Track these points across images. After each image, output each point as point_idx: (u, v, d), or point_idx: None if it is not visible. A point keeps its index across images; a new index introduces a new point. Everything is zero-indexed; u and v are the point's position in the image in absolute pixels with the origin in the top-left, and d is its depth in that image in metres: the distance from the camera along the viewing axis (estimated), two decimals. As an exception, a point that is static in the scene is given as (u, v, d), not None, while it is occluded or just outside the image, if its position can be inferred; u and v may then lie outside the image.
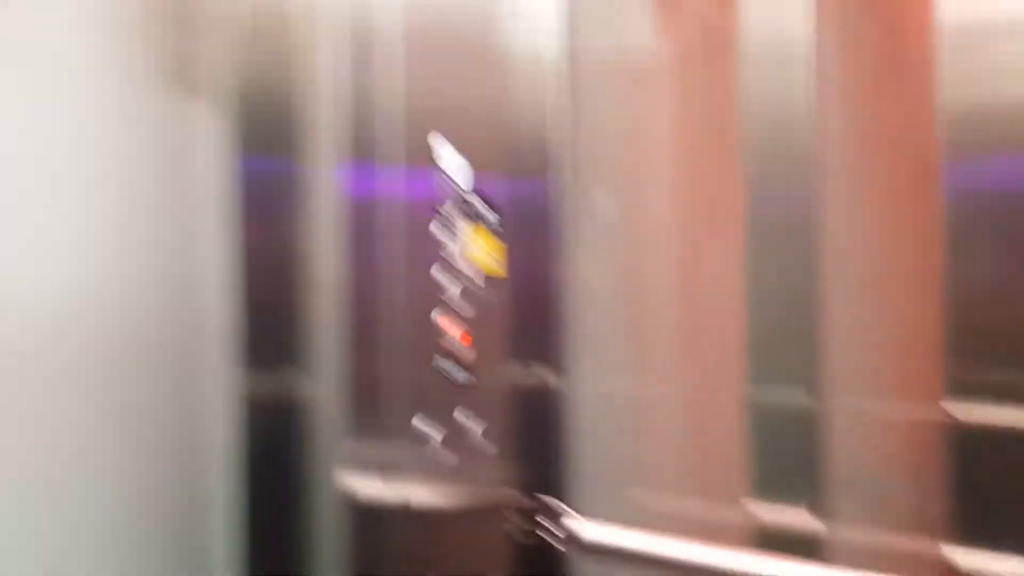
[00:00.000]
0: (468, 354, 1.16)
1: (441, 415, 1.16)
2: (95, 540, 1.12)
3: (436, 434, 1.16)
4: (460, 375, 1.16)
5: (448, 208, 1.14)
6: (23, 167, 1.04)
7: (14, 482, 1.06)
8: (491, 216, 1.16)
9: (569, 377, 1.15)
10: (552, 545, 1.17)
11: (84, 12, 1.08)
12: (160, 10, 1.14)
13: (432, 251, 1.15)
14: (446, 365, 1.15)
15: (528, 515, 1.18)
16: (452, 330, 1.15)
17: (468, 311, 1.16)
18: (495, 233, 1.17)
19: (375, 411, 1.15)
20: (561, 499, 1.18)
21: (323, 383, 1.17)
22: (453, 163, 1.15)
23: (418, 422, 1.15)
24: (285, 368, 1.18)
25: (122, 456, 1.13)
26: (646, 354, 1.18)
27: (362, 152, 1.14)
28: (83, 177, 1.08)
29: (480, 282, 1.16)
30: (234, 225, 1.13)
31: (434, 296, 1.15)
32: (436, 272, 1.15)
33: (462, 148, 1.15)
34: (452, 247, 1.14)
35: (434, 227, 1.14)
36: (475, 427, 1.17)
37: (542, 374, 1.17)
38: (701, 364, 1.14)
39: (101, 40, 1.10)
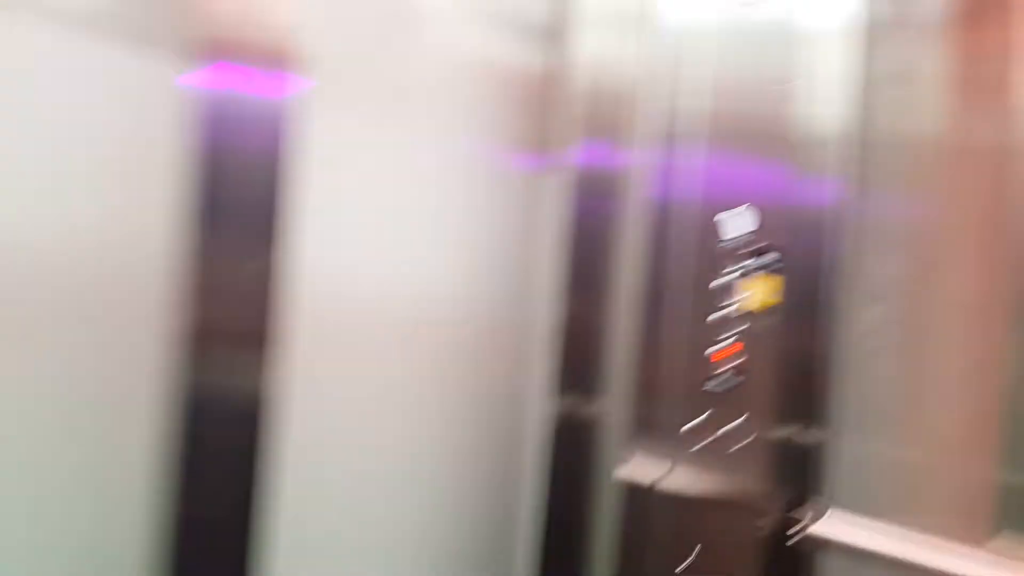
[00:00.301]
0: (741, 363, 1.39)
1: (714, 416, 1.39)
2: (422, 527, 1.40)
3: (708, 433, 1.39)
4: (733, 381, 1.39)
5: (736, 262, 1.40)
6: (417, 195, 1.38)
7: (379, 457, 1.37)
8: (771, 256, 1.41)
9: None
10: (802, 543, 1.38)
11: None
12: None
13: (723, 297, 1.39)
14: (724, 379, 1.40)
15: (784, 514, 1.41)
16: (727, 339, 1.40)
17: (743, 324, 1.39)
18: (772, 270, 1.41)
19: (655, 410, 1.39)
20: (817, 504, 1.40)
21: (614, 392, 1.42)
22: (748, 223, 1.40)
23: (693, 421, 1.40)
24: (587, 386, 1.46)
25: (457, 447, 1.43)
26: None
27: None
28: (447, 201, 1.41)
29: (750, 310, 1.40)
30: (563, 252, 1.43)
31: (712, 306, 1.39)
32: (726, 312, 1.40)
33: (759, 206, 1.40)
34: (740, 294, 1.40)
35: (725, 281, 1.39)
36: (744, 430, 1.41)
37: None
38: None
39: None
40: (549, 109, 1.46)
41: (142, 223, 1.10)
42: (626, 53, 1.41)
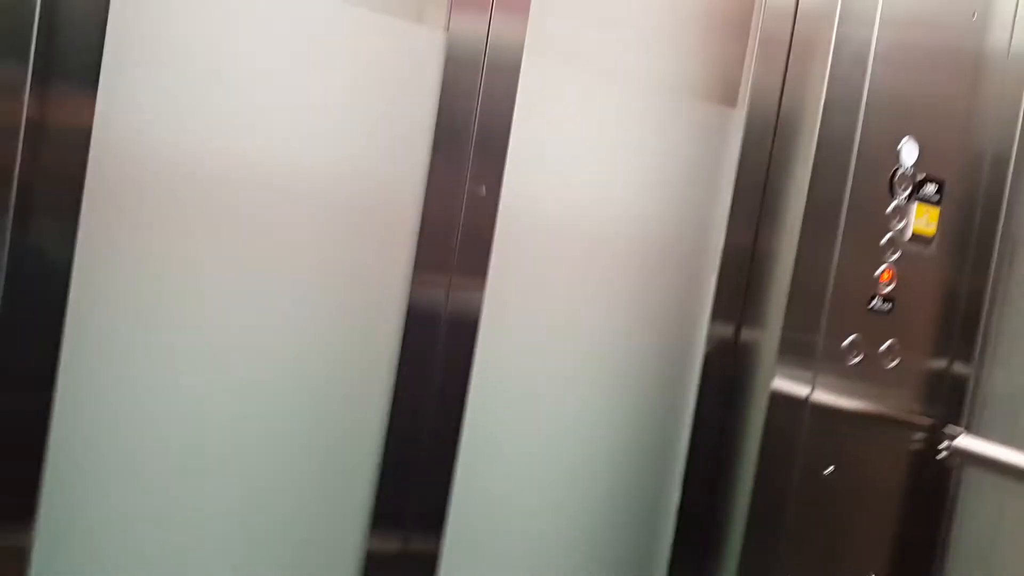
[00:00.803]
0: (893, 292, 1.53)
1: (868, 341, 1.54)
2: (592, 426, 1.58)
3: (859, 354, 1.54)
4: (886, 308, 1.53)
5: (902, 191, 1.52)
6: (612, 125, 1.53)
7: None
8: (932, 187, 1.53)
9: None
10: (949, 457, 1.53)
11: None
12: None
13: (884, 226, 1.52)
14: (878, 303, 1.54)
15: (931, 432, 1.56)
16: (885, 276, 1.53)
17: (902, 262, 1.53)
18: (931, 202, 1.53)
19: (813, 335, 1.53)
20: (958, 423, 1.54)
21: (776, 313, 1.56)
22: (912, 154, 1.52)
23: (847, 345, 1.54)
24: (753, 305, 1.61)
25: (632, 357, 1.61)
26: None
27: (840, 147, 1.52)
28: (653, 151, 1.57)
29: (910, 236, 1.53)
30: (736, 195, 1.58)
31: (879, 259, 1.53)
32: (884, 241, 1.53)
33: (922, 141, 1.51)
34: (902, 224, 1.52)
35: (890, 209, 1.52)
36: (894, 352, 1.56)
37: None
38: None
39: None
40: (737, 39, 1.58)
41: (394, 151, 1.29)
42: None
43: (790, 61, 1.52)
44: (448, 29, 1.28)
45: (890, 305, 1.52)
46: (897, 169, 1.49)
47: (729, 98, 1.57)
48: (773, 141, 1.52)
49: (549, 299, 1.46)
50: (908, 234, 1.52)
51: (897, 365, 1.54)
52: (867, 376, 1.52)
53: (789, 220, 1.47)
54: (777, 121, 1.52)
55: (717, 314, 1.55)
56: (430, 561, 1.36)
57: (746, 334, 1.54)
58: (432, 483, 1.34)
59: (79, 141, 1.05)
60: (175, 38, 1.13)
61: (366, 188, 1.28)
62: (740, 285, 1.55)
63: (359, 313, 1.29)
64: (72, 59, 1.04)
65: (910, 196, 1.51)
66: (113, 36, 1.08)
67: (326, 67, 1.23)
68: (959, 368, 1.60)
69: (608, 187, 1.48)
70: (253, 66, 1.18)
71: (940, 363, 1.59)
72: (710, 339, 1.55)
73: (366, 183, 1.27)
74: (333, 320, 1.27)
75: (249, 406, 1.23)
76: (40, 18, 0.99)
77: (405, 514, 1.33)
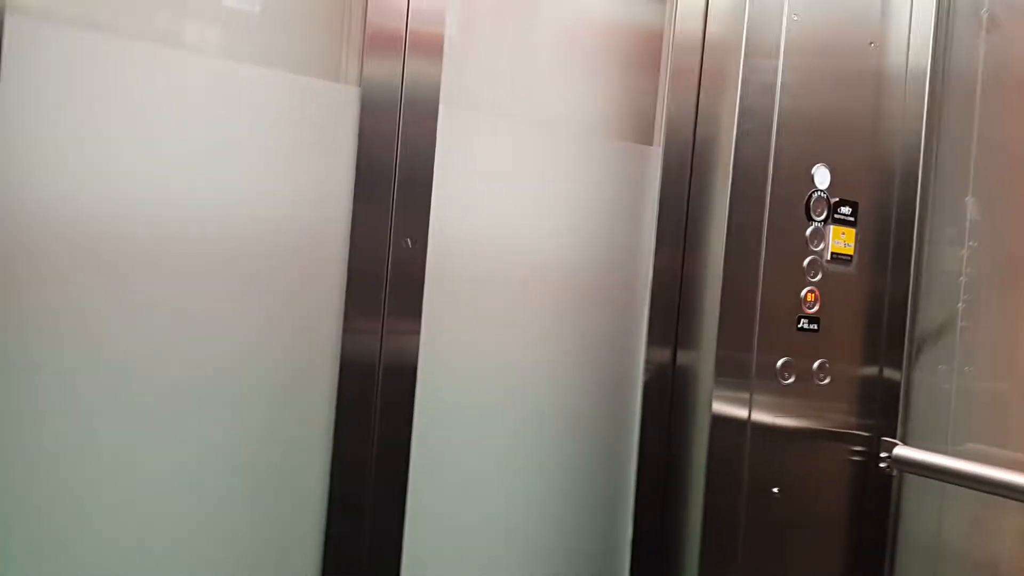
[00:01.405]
0: (818, 312, 1.57)
1: (799, 361, 1.58)
2: (537, 452, 1.58)
3: (792, 374, 1.57)
4: (813, 328, 1.57)
5: (818, 214, 1.57)
6: (536, 164, 1.55)
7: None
8: (847, 209, 1.58)
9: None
10: (889, 466, 1.57)
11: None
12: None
13: (804, 249, 1.57)
14: (804, 324, 1.58)
15: (869, 443, 1.59)
16: (810, 296, 1.58)
17: (824, 282, 1.57)
18: (847, 223, 1.59)
19: (747, 359, 1.54)
20: (893, 432, 1.59)
21: (709, 337, 1.59)
22: (825, 179, 1.57)
23: (780, 366, 1.57)
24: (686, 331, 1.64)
25: (569, 384, 1.60)
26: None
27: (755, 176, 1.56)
28: (575, 191, 1.60)
29: (829, 257, 1.58)
30: (660, 226, 1.61)
31: (803, 280, 1.57)
32: (806, 264, 1.57)
33: (833, 165, 1.57)
34: (821, 246, 1.57)
35: (808, 232, 1.57)
36: (825, 370, 1.59)
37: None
38: None
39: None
40: (648, 76, 1.63)
41: (316, 206, 1.30)
42: (727, 9, 1.55)
43: (701, 95, 1.58)
44: (360, 84, 1.29)
45: (816, 325, 1.55)
46: (812, 193, 1.54)
47: (645, 135, 1.62)
48: (691, 173, 1.57)
49: (488, 342, 1.47)
50: (827, 255, 1.57)
51: (829, 382, 1.58)
52: (802, 394, 1.55)
53: (713, 246, 1.51)
54: (693, 154, 1.57)
55: (652, 339, 1.58)
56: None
57: (682, 357, 1.57)
58: (383, 535, 1.33)
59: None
60: (82, 102, 1.12)
61: (291, 244, 1.27)
62: (672, 314, 1.58)
63: (295, 367, 1.27)
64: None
65: (826, 219, 1.56)
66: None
67: (246, 128, 1.23)
68: (889, 379, 1.64)
69: (535, 227, 1.50)
70: (171, 129, 1.18)
71: (871, 376, 1.63)
72: (648, 365, 1.58)
73: (291, 239, 1.27)
74: (264, 379, 1.26)
75: (180, 473, 1.20)
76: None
77: (358, 568, 1.31)
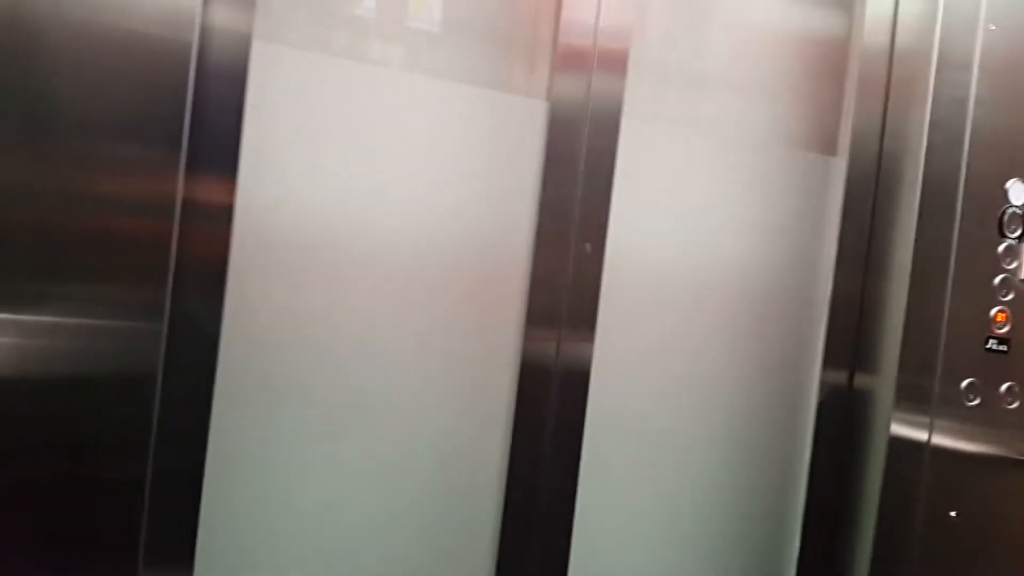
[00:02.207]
0: (1009, 333, 1.50)
1: (986, 383, 1.52)
2: (704, 478, 1.60)
3: (977, 396, 1.51)
4: (1002, 349, 1.51)
5: (1011, 231, 1.51)
6: (714, 180, 1.58)
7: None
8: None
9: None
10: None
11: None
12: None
13: (996, 267, 1.51)
14: (993, 344, 1.51)
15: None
16: (1000, 317, 1.51)
17: (1016, 303, 1.51)
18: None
19: (930, 379, 1.51)
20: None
21: (890, 359, 1.55)
22: (1021, 194, 1.51)
23: (964, 387, 1.52)
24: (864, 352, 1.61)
25: (741, 406, 1.62)
26: None
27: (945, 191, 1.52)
28: (753, 202, 1.61)
29: (1023, 277, 1.50)
30: (841, 243, 1.59)
31: (993, 300, 1.51)
32: (997, 282, 1.51)
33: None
34: (1014, 264, 1.51)
35: (1001, 250, 1.51)
36: (1013, 394, 1.52)
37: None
38: None
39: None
40: (833, 86, 1.61)
41: (506, 218, 1.37)
42: (918, 19, 1.52)
43: (888, 106, 1.55)
44: (549, 99, 1.36)
45: (1006, 346, 1.49)
46: (1006, 209, 1.48)
47: (828, 146, 1.60)
48: (876, 187, 1.54)
49: (658, 352, 1.50)
50: (1021, 274, 1.50)
51: (1018, 407, 1.50)
52: (987, 418, 1.50)
53: (897, 265, 1.48)
54: (879, 167, 1.54)
55: (828, 362, 1.56)
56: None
57: (859, 380, 1.54)
58: (553, 535, 1.39)
59: (223, 217, 1.16)
60: (306, 119, 1.24)
61: (480, 251, 1.35)
62: (850, 332, 1.55)
63: (476, 370, 1.35)
64: (215, 143, 1.16)
65: (1021, 236, 1.49)
66: (251, 122, 1.20)
67: (441, 139, 1.32)
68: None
69: (712, 240, 1.51)
70: (375, 147, 1.28)
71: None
72: (823, 387, 1.56)
73: (480, 247, 1.35)
74: (451, 377, 1.34)
75: (378, 461, 1.31)
76: (191, 110, 1.11)
77: (529, 566, 1.38)
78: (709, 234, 1.51)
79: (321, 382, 1.26)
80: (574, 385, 1.38)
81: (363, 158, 1.27)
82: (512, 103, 1.35)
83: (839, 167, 1.56)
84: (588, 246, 1.38)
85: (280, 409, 1.24)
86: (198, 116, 1.12)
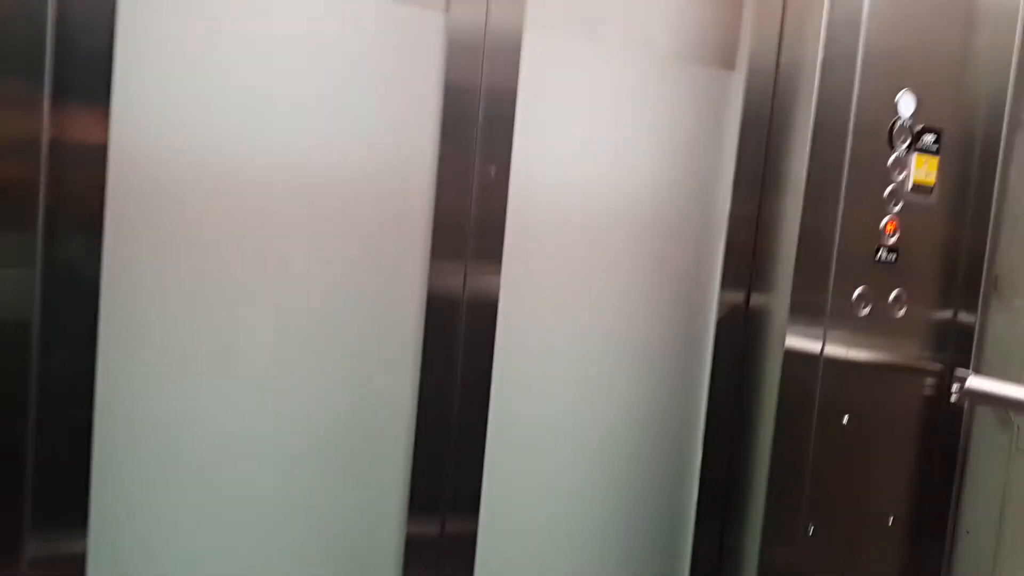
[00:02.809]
0: (897, 243, 1.56)
1: (876, 291, 1.57)
2: (609, 392, 1.61)
3: (868, 305, 1.56)
4: (891, 259, 1.56)
5: (900, 143, 1.54)
6: (612, 102, 1.53)
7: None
8: (930, 137, 1.55)
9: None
10: (960, 398, 1.57)
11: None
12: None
13: (885, 178, 1.55)
14: (883, 255, 1.57)
15: (937, 375, 1.60)
16: (890, 227, 1.56)
17: (904, 212, 1.56)
18: (930, 152, 1.56)
19: (823, 291, 1.54)
20: (967, 366, 1.59)
21: (785, 272, 1.58)
22: (910, 106, 1.54)
23: (856, 297, 1.57)
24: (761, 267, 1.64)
25: (645, 324, 1.62)
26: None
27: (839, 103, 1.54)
28: (653, 118, 1.58)
29: (911, 187, 1.56)
30: (739, 161, 1.60)
31: (883, 211, 1.56)
32: (886, 194, 1.56)
33: (919, 92, 1.54)
34: (903, 175, 1.55)
35: (890, 161, 1.55)
36: (901, 302, 1.59)
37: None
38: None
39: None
40: (734, 2, 1.59)
41: (399, 140, 1.31)
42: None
43: (785, 21, 1.54)
44: (447, 10, 1.29)
45: (895, 255, 1.55)
46: (896, 121, 1.51)
47: (727, 61, 1.58)
48: (773, 102, 1.54)
49: (562, 274, 1.49)
50: (909, 185, 1.55)
51: (905, 314, 1.58)
52: (877, 327, 1.55)
53: (792, 180, 1.50)
54: (776, 82, 1.53)
55: (727, 281, 1.58)
56: (469, 543, 1.39)
57: (756, 298, 1.58)
58: (465, 467, 1.38)
59: (97, 154, 1.06)
60: (177, 40, 1.14)
61: (378, 176, 1.29)
62: (747, 250, 1.57)
63: (381, 302, 1.31)
64: (84, 71, 1.05)
65: (909, 147, 1.53)
66: (121, 43, 1.09)
67: (330, 56, 1.24)
68: (964, 314, 1.63)
69: (612, 159, 1.50)
70: (257, 62, 1.19)
71: (946, 310, 1.63)
72: (721, 305, 1.58)
73: (379, 172, 1.29)
74: (356, 310, 1.30)
75: (280, 401, 1.26)
76: (53, 30, 1.00)
77: (442, 500, 1.37)
78: (611, 152, 1.49)
79: (216, 322, 1.19)
80: (482, 314, 1.35)
81: (249, 78, 1.18)
82: (408, 15, 1.27)
83: (738, 82, 1.55)
84: (492, 169, 1.34)
85: (172, 354, 1.17)
86: (62, 36, 1.00)
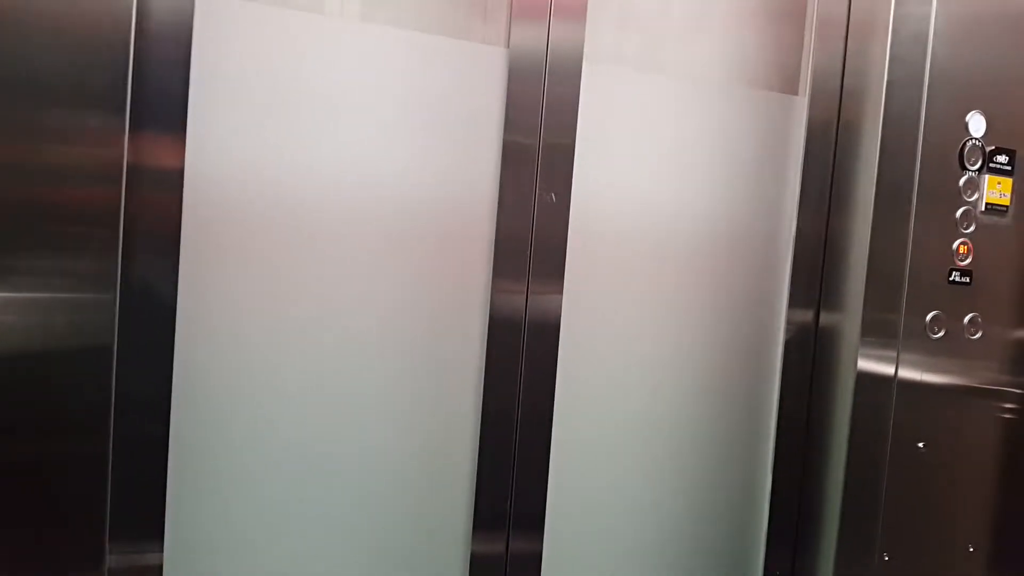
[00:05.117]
0: (971, 265, 1.52)
1: (950, 315, 1.53)
2: (674, 417, 1.61)
3: (942, 327, 1.52)
4: (965, 281, 1.52)
5: (972, 163, 1.51)
6: (675, 124, 1.54)
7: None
8: (1003, 158, 1.52)
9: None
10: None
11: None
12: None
13: (957, 199, 1.52)
14: (956, 277, 1.53)
15: (1016, 400, 1.54)
16: (962, 249, 1.53)
17: (978, 234, 1.52)
18: (1004, 173, 1.52)
19: (895, 315, 1.51)
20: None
21: (855, 292, 1.56)
22: (980, 126, 1.51)
23: (929, 320, 1.53)
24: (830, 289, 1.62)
25: (708, 346, 1.60)
26: None
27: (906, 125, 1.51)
28: (716, 142, 1.57)
29: (984, 208, 1.52)
30: (804, 182, 1.59)
31: (955, 233, 1.52)
32: (958, 215, 1.52)
33: (989, 112, 1.51)
34: (975, 196, 1.52)
35: (962, 183, 1.52)
36: (976, 325, 1.54)
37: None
38: None
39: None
40: (794, 24, 1.59)
41: (469, 171, 1.34)
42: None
43: (848, 43, 1.53)
44: (509, 46, 1.32)
45: (969, 278, 1.50)
46: (967, 142, 1.48)
47: (790, 85, 1.58)
48: (838, 124, 1.54)
49: (626, 297, 1.49)
50: (982, 206, 1.51)
51: (981, 337, 1.54)
52: (952, 349, 1.52)
53: (860, 201, 1.48)
54: (840, 104, 1.53)
55: (795, 301, 1.56)
56: (534, 561, 1.39)
57: (825, 318, 1.55)
58: (529, 483, 1.38)
59: (173, 181, 1.12)
60: (254, 74, 1.19)
61: (444, 205, 1.33)
62: (816, 270, 1.55)
63: (445, 323, 1.33)
64: (161, 103, 1.11)
65: (981, 168, 1.50)
66: (197, 78, 1.15)
67: (398, 89, 1.28)
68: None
69: (676, 183, 1.50)
70: (331, 97, 1.24)
71: (1025, 333, 1.56)
72: (789, 326, 1.56)
73: (444, 200, 1.32)
74: (421, 331, 1.32)
75: (349, 418, 1.29)
76: (133, 69, 1.06)
77: (505, 516, 1.37)
78: (674, 177, 1.49)
79: (285, 341, 1.23)
80: (544, 336, 1.36)
81: (319, 113, 1.23)
82: (471, 51, 1.31)
83: (801, 106, 1.54)
84: (552, 195, 1.35)
85: (244, 373, 1.21)
86: (141, 74, 1.06)
